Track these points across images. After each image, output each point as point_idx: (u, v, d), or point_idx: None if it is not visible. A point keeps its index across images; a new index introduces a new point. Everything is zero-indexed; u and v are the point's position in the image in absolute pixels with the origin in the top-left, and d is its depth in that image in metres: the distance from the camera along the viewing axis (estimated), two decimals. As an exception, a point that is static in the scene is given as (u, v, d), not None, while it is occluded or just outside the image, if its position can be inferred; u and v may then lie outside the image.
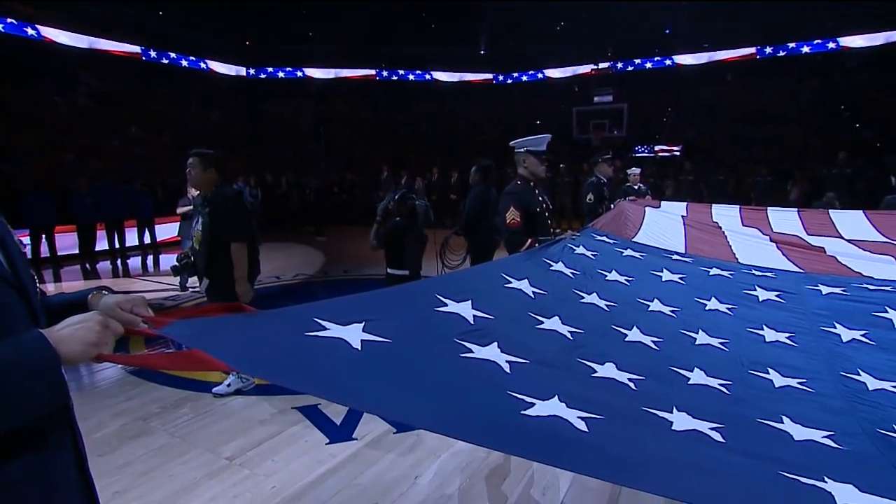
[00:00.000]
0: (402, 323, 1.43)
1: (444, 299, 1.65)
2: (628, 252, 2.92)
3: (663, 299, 2.31)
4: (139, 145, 14.52)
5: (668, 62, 19.67)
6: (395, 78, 21.37)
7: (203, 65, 18.84)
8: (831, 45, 17.98)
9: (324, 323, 1.26)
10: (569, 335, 1.74)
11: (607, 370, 1.52)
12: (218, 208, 3.56)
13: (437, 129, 19.50)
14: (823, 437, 1.31)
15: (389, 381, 1.15)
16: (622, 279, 2.51)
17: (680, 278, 2.62)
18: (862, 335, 2.11)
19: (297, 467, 2.98)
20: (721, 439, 1.18)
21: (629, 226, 3.72)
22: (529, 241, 2.92)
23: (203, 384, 4.01)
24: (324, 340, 1.20)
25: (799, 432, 1.31)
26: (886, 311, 2.24)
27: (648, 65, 19.73)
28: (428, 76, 21.50)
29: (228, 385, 3.88)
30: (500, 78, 21.37)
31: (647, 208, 4.34)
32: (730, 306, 2.34)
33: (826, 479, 1.03)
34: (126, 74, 16.39)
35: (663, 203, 5.28)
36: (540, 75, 20.78)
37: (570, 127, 14.26)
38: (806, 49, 18.30)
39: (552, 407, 1.16)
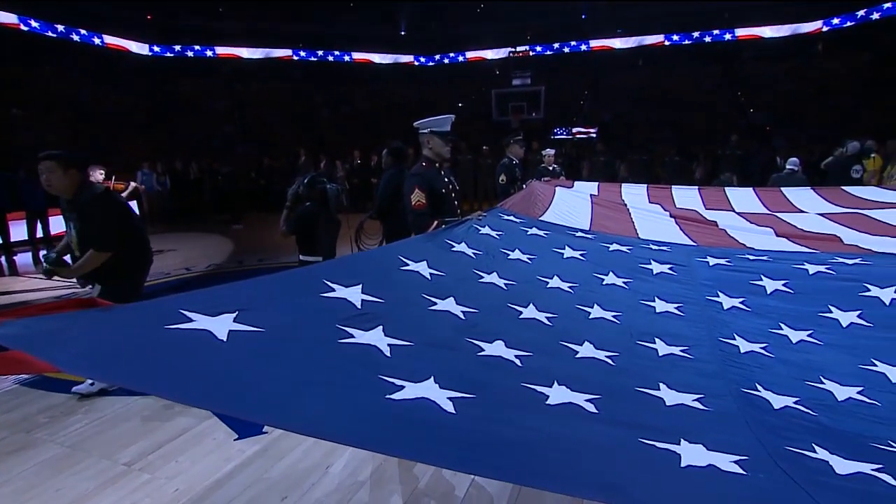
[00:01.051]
0: (280, 311, 1.35)
1: (331, 284, 1.59)
2: (533, 231, 2.96)
3: (563, 276, 2.36)
4: (24, 129, 13.14)
5: (583, 47, 20.34)
6: (313, 59, 20.67)
7: (98, 40, 17.28)
8: (728, 36, 19.30)
9: (190, 314, 1.16)
10: (461, 315, 1.73)
11: (495, 348, 1.52)
12: (83, 214, 3.25)
13: (359, 111, 19.11)
14: (693, 399, 1.38)
15: (252, 374, 1.07)
16: (524, 257, 2.54)
17: (581, 255, 2.69)
18: (740, 302, 2.26)
19: (202, 467, 2.83)
20: (594, 410, 1.21)
21: (538, 205, 3.79)
22: (436, 222, 2.90)
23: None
24: (184, 333, 1.10)
25: (672, 397, 1.37)
26: (761, 280, 2.42)
27: (566, 49, 20.31)
28: (348, 57, 20.97)
29: (92, 384, 3.56)
30: (422, 60, 21.23)
31: (557, 188, 4.45)
32: (626, 280, 2.43)
33: (681, 441, 1.08)
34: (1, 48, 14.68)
35: (576, 183, 5.45)
36: (461, 58, 20.84)
37: (491, 109, 14.43)
38: (708, 39, 19.55)
39: (423, 389, 1.14)
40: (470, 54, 20.75)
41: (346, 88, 20.21)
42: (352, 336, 1.35)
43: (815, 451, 1.14)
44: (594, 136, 15.23)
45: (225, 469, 2.81)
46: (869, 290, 2.24)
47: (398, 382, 1.14)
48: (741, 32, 19.15)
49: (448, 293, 1.86)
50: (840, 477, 1.05)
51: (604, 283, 2.40)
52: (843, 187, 5.20)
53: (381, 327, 1.43)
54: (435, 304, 1.78)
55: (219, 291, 1.36)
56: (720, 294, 2.33)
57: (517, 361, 1.47)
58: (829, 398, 1.58)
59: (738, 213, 4.24)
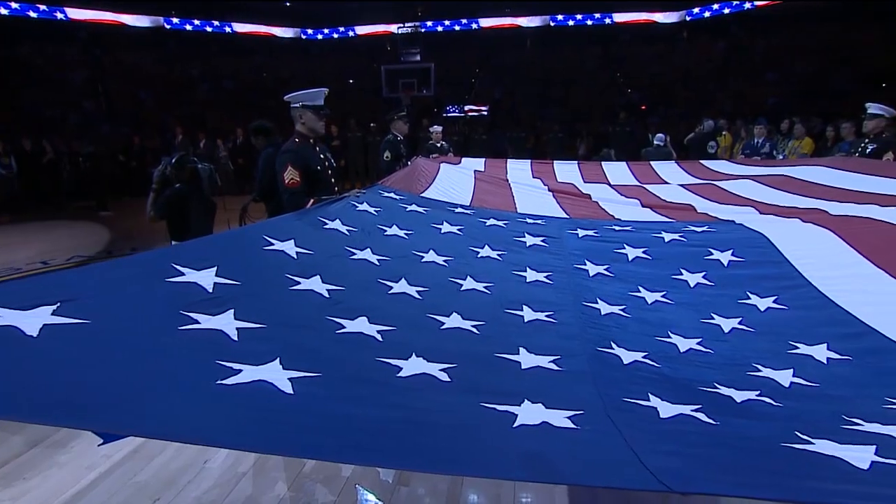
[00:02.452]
0: (114, 300, 1.23)
1: (181, 268, 1.47)
2: (413, 207, 2.96)
3: (438, 250, 2.39)
4: None
5: (474, 25, 20.55)
6: (188, 28, 18.95)
7: None
8: (608, 20, 20.45)
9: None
10: (326, 294, 1.69)
11: (357, 325, 1.50)
12: None
13: (241, 87, 17.92)
14: (549, 361, 1.45)
15: (70, 373, 0.96)
16: (402, 233, 2.54)
17: (458, 229, 2.73)
18: (605, 269, 2.42)
19: (59, 480, 2.56)
20: (447, 378, 1.24)
21: (421, 182, 3.80)
22: (311, 201, 2.80)
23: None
24: None
25: (529, 360, 1.44)
26: (624, 248, 2.61)
27: (456, 27, 20.40)
28: (228, 28, 19.50)
29: None
30: (309, 33, 20.28)
31: (442, 165, 4.49)
32: (500, 252, 2.51)
33: (525, 402, 1.13)
34: None
35: (464, 160, 5.53)
36: (351, 33, 20.19)
37: (381, 86, 14.15)
38: (589, 22, 20.58)
39: (263, 371, 1.09)
40: (360, 29, 20.16)
41: (227, 61, 18.83)
42: (196, 322, 1.26)
43: (648, 400, 1.25)
44: (486, 113, 15.52)
45: (87, 479, 2.57)
46: (712, 254, 2.49)
47: (236, 367, 1.08)
48: (619, 17, 20.37)
49: (314, 272, 1.81)
50: (661, 420, 1.16)
51: (479, 255, 2.46)
52: (702, 161, 5.78)
53: (231, 311, 1.36)
54: (298, 283, 1.72)
55: (40, 281, 1.20)
56: (587, 262, 2.47)
57: (378, 337, 1.46)
58: (673, 350, 1.74)
59: (612, 186, 4.55)
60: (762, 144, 7.06)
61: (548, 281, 2.24)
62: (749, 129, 7.77)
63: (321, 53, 20.35)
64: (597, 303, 2.04)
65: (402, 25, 16.29)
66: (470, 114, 15.45)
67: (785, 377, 1.53)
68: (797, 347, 1.73)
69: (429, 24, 19.43)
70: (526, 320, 1.82)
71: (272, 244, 1.91)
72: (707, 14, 19.23)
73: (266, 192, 4.13)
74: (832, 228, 2.56)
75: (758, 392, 1.39)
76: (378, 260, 2.15)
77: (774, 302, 2.07)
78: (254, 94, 16.61)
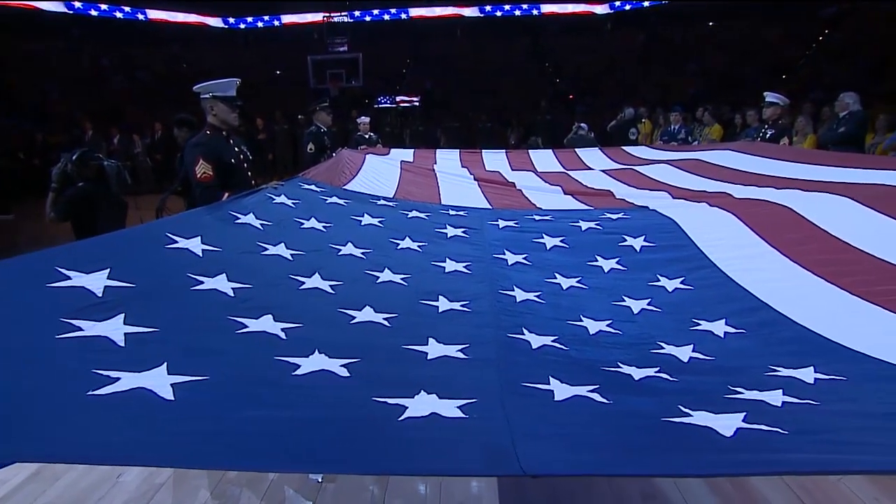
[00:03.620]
0: None
1: (66, 272, 1.37)
2: (333, 199, 2.90)
3: (357, 242, 2.35)
4: None
5: (403, 16, 20.37)
6: (95, 13, 17.63)
7: None
8: (535, 11, 20.83)
9: None
10: (230, 292, 1.62)
11: (260, 324, 1.46)
12: None
13: (161, 78, 16.91)
14: (457, 350, 1.46)
15: None
16: (320, 226, 2.48)
17: (379, 221, 2.70)
18: (523, 258, 2.46)
19: (-55, 513, 2.34)
20: (346, 374, 1.23)
21: (345, 173, 3.73)
22: (226, 195, 2.68)
23: None
24: None
25: (436, 351, 1.44)
26: (543, 238, 2.67)
27: (385, 17, 20.15)
28: (142, 15, 18.32)
29: None
30: (231, 22, 19.39)
31: (368, 156, 4.42)
32: (421, 244, 2.50)
33: (421, 392, 1.13)
34: None
35: (392, 150, 5.48)
36: (276, 22, 19.48)
37: (308, 77, 13.78)
38: (518, 13, 20.88)
39: (145, 378, 1.04)
40: (286, 18, 19.49)
41: (142, 51, 17.70)
42: (78, 329, 1.18)
43: (548, 383, 1.28)
44: (417, 104, 15.45)
45: (-21, 506, 2.36)
46: (626, 240, 2.59)
47: (115, 375, 1.02)
48: (546, 8, 20.78)
49: (220, 269, 1.73)
50: (555, 403, 1.20)
51: (399, 247, 2.44)
52: (623, 147, 6.01)
53: (121, 315, 1.28)
54: (201, 282, 1.64)
55: None
56: (506, 252, 2.51)
57: (281, 335, 1.42)
58: (584, 333, 1.79)
59: (538, 173, 4.64)
60: (678, 131, 7.43)
61: (466, 271, 2.26)
62: (667, 116, 8.14)
63: (245, 43, 19.55)
64: (513, 290, 2.07)
65: (329, 15, 15.90)
66: (401, 105, 15.33)
67: (685, 353, 1.62)
68: (699, 324, 1.83)
69: (357, 13, 19.08)
70: (440, 311, 1.82)
71: (175, 242, 1.81)
72: (628, 7, 20.03)
73: (189, 185, 3.93)
74: (734, 212, 2.72)
75: (657, 368, 1.46)
76: (292, 255, 2.09)
77: (681, 283, 2.18)
78: (173, 87, 15.71)
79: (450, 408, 1.09)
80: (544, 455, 1.00)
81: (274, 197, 2.64)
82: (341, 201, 2.91)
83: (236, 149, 2.99)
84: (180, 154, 3.94)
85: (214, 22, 19.25)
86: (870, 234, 2.20)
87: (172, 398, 1.00)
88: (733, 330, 1.76)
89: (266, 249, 2.06)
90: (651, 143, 7.92)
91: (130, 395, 0.98)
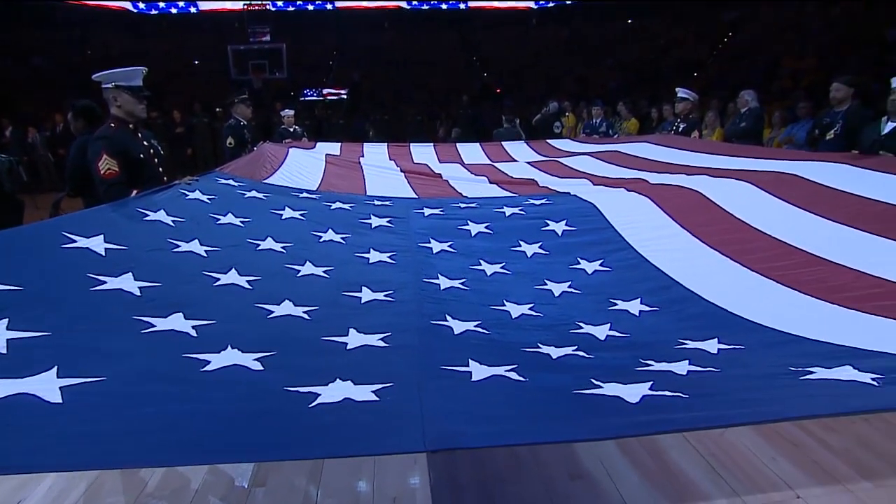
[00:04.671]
0: None
1: None
2: (252, 193, 2.78)
3: (277, 237, 2.27)
4: None
5: (329, 6, 19.88)
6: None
7: None
8: (462, 5, 20.95)
9: None
10: (137, 292, 1.52)
11: (170, 322, 1.38)
12: None
13: (56, 65, 15.57)
14: (378, 339, 1.44)
15: None
16: (237, 221, 2.37)
17: (301, 215, 2.62)
18: (448, 246, 2.47)
19: None
20: (260, 368, 1.19)
21: (266, 167, 3.60)
22: (135, 192, 2.50)
23: None
24: None
25: (356, 340, 1.42)
26: (467, 224, 2.68)
27: (310, 7, 19.58)
28: (34, -6, 16.73)
29: None
30: (142, 7, 18.10)
31: (291, 149, 4.30)
32: (344, 236, 2.45)
33: (336, 380, 1.12)
34: None
35: (319, 144, 5.35)
36: (192, 9, 18.41)
37: (229, 67, 13.13)
38: (444, 6, 20.91)
39: (30, 383, 0.97)
40: (203, 4, 18.44)
41: (39, 35, 16.22)
42: None
43: (467, 365, 1.29)
44: (345, 96, 15.16)
45: None
46: (548, 224, 2.66)
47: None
48: (472, 3, 20.94)
49: (125, 269, 1.62)
50: (471, 383, 1.21)
51: (321, 240, 2.38)
52: (548, 140, 6.18)
53: (5, 320, 1.16)
54: (104, 283, 1.52)
55: None
56: (432, 240, 2.50)
57: (192, 332, 1.35)
58: (506, 317, 1.82)
59: (465, 165, 4.68)
60: (600, 124, 7.72)
61: (390, 261, 2.24)
62: (589, 110, 8.44)
63: (158, 30, 18.35)
64: (437, 278, 2.08)
65: (250, 3, 15.21)
66: (328, 97, 14.99)
67: (602, 331, 1.68)
68: (616, 304, 1.91)
69: (280, 2, 18.41)
70: (363, 301, 1.79)
71: (74, 241, 1.68)
72: (551, 4, 20.58)
73: (79, 185, 3.61)
74: (650, 196, 2.86)
75: (575, 347, 1.51)
76: (206, 251, 1.99)
77: (600, 265, 2.27)
78: (75, 75, 14.52)
79: (365, 393, 1.08)
80: (450, 431, 1.02)
81: (187, 193, 2.51)
82: (261, 195, 2.79)
83: (145, 143, 2.80)
84: (70, 148, 3.61)
85: (120, 4, 17.82)
86: (767, 216, 2.40)
87: (60, 401, 0.93)
88: (647, 308, 1.85)
89: (178, 247, 1.95)
90: (575, 136, 8.19)
91: (9, 401, 0.90)
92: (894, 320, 1.47)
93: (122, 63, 2.81)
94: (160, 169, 2.86)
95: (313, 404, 1.05)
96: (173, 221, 2.14)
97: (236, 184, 2.90)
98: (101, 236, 1.76)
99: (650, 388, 1.13)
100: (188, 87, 13.83)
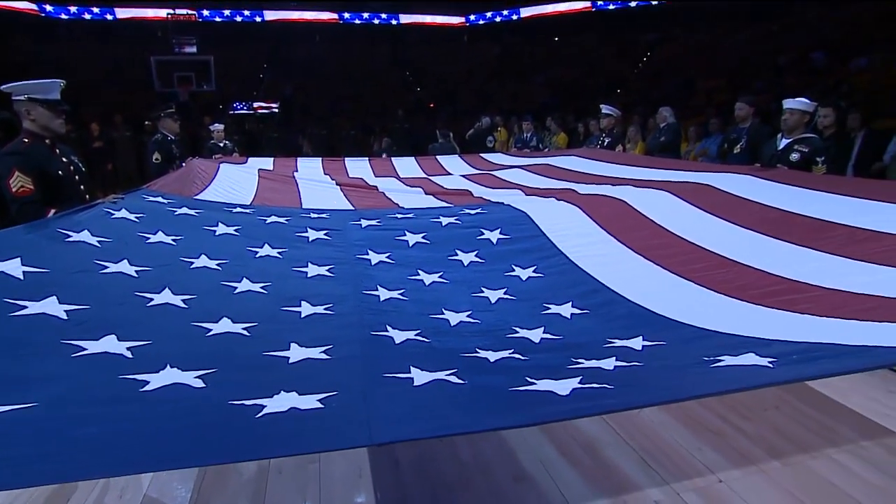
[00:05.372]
0: None
1: None
2: (183, 210, 2.70)
3: (211, 254, 2.21)
4: None
5: (258, 18, 19.50)
6: None
7: None
8: (394, 21, 21.17)
9: None
10: (64, 315, 1.46)
11: (102, 344, 1.33)
12: None
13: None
14: (320, 352, 1.45)
15: None
16: (168, 239, 2.29)
17: (235, 230, 2.57)
18: (387, 257, 2.49)
19: None
20: (202, 385, 1.17)
21: (196, 183, 3.49)
22: (53, 212, 2.37)
23: None
24: None
25: (298, 354, 1.42)
26: (405, 235, 2.71)
27: (238, 18, 19.13)
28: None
29: None
30: (49, 10, 16.96)
31: (222, 164, 4.19)
32: (281, 250, 2.42)
33: (280, 392, 1.13)
34: None
35: (251, 159, 5.24)
36: (109, 16, 17.49)
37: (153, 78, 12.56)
38: (377, 21, 21.03)
39: None
40: (121, 11, 17.51)
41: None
42: None
43: (408, 372, 1.33)
44: (276, 110, 14.88)
45: None
46: (483, 233, 2.73)
47: None
48: (405, 19, 21.19)
49: (48, 292, 1.55)
50: (414, 388, 1.25)
51: (257, 255, 2.34)
52: (481, 154, 6.34)
53: None
54: (24, 307, 1.44)
55: None
56: (370, 252, 2.52)
57: (127, 353, 1.31)
58: (445, 325, 1.87)
59: (400, 178, 4.73)
60: (531, 138, 8.00)
61: (329, 274, 2.23)
62: (520, 125, 8.74)
63: (70, 37, 17.27)
64: (377, 290, 2.10)
65: (173, 12, 14.66)
66: (259, 111, 14.65)
67: (537, 335, 1.76)
68: (549, 308, 2.00)
69: (206, 13, 17.86)
70: (303, 315, 1.79)
71: None
72: (482, 22, 21.19)
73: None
74: (579, 205, 3.01)
75: (511, 350, 1.57)
76: (137, 271, 1.91)
77: (534, 271, 2.36)
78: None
79: (310, 402, 1.10)
80: (394, 427, 1.09)
81: (113, 212, 2.40)
82: (192, 212, 2.71)
83: (64, 159, 2.66)
84: None
85: (28, 6, 16.55)
86: (684, 223, 2.60)
87: None
88: (578, 311, 1.96)
89: (106, 268, 1.86)
90: (507, 150, 8.44)
91: None
92: (790, 312, 1.65)
93: (30, 70, 2.67)
94: (81, 187, 2.72)
95: (260, 415, 1.05)
96: (99, 242, 2.04)
97: (165, 201, 2.79)
98: (18, 259, 1.67)
99: (579, 382, 1.22)
100: (107, 99, 13.08)
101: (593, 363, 1.39)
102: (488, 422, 1.20)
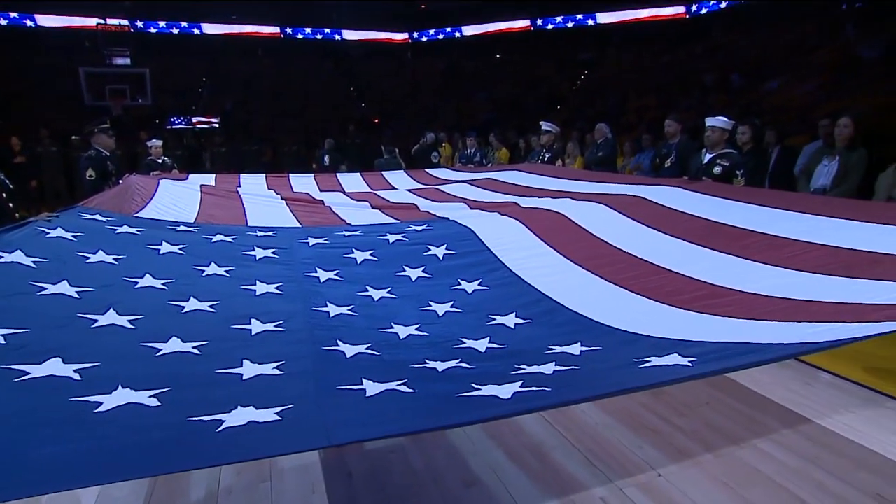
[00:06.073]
0: None
1: None
2: (124, 229, 2.62)
3: (156, 273, 2.17)
4: None
5: (196, 31, 19.02)
6: None
7: None
8: (338, 36, 21.18)
9: None
10: (2, 339, 1.40)
11: (47, 368, 1.30)
12: None
13: None
14: (273, 368, 1.47)
15: None
16: (110, 259, 2.23)
17: (180, 249, 2.52)
18: (335, 274, 2.52)
19: None
20: (157, 403, 1.18)
21: (135, 201, 3.40)
22: None
23: None
24: None
25: (251, 371, 1.44)
26: (353, 252, 2.75)
27: (175, 30, 18.59)
28: None
29: None
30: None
31: (162, 181, 4.09)
32: (228, 269, 2.40)
33: (237, 407, 1.15)
34: None
35: (191, 176, 5.12)
36: (29, 22, 16.48)
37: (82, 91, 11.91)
38: (319, 36, 20.96)
39: None
40: (43, 19, 16.50)
41: None
42: None
43: (361, 384, 1.37)
44: (217, 125, 14.49)
45: None
46: (430, 249, 2.80)
47: None
48: (348, 35, 21.23)
49: None
50: (367, 398, 1.31)
51: (204, 274, 2.31)
52: (426, 169, 6.44)
53: None
54: None
55: None
56: (318, 269, 2.53)
57: (75, 376, 1.28)
58: (395, 338, 1.92)
59: (346, 193, 4.75)
60: (474, 154, 8.18)
61: (278, 291, 2.24)
62: (464, 140, 8.92)
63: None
64: (326, 306, 2.12)
65: (104, 22, 14.02)
66: (199, 126, 14.22)
67: (483, 344, 1.85)
68: (494, 319, 2.09)
69: (140, 24, 17.24)
70: (253, 333, 1.79)
71: None
72: (425, 39, 21.52)
73: None
74: (520, 219, 3.14)
75: (459, 360, 1.65)
76: (78, 292, 1.86)
77: (479, 285, 2.45)
78: None
79: (268, 415, 1.12)
80: (350, 430, 1.16)
81: (47, 230, 2.31)
82: (134, 230, 2.64)
83: (-8, 176, 2.55)
84: None
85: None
86: (620, 234, 2.77)
87: None
88: (522, 321, 2.06)
89: (44, 289, 1.80)
90: (451, 165, 8.60)
91: None
92: (712, 315, 1.81)
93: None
94: (10, 204, 2.61)
95: (220, 429, 1.07)
96: (34, 262, 1.96)
97: (104, 219, 2.70)
98: None
99: (521, 386, 1.31)
100: (31, 111, 12.34)
101: (534, 368, 1.48)
102: (435, 421, 1.29)
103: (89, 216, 2.71)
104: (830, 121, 5.39)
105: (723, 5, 16.64)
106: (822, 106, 8.67)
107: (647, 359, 1.43)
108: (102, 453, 0.98)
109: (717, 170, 4.00)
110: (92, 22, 14.65)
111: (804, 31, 12.80)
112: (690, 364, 1.35)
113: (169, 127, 13.66)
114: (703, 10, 17.19)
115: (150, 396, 1.19)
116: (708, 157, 4.12)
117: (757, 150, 5.45)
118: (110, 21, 14.02)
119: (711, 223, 2.65)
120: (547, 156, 5.91)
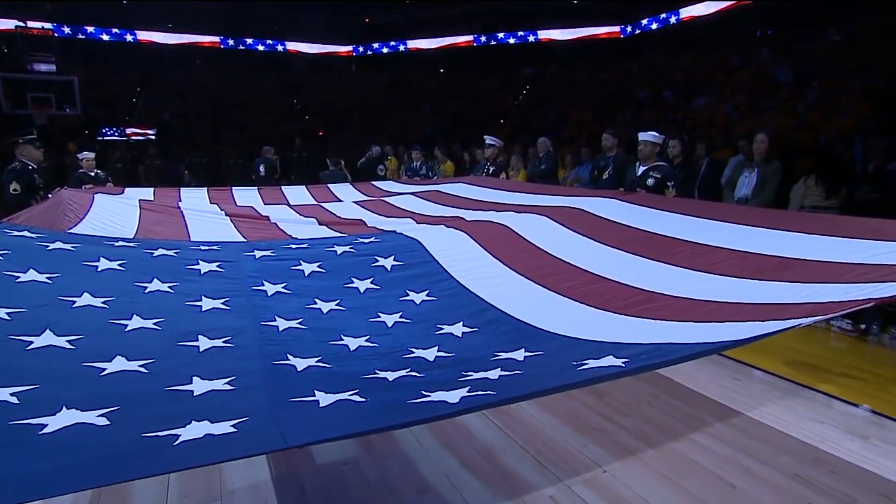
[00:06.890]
0: None
1: None
2: (57, 245, 2.51)
3: (95, 291, 2.09)
4: None
5: (129, 38, 18.29)
6: None
7: None
8: (280, 47, 20.89)
9: None
10: None
11: None
12: None
13: None
14: (224, 383, 1.46)
15: None
16: (43, 278, 2.13)
17: (120, 265, 2.43)
18: (283, 287, 2.50)
19: None
20: (106, 422, 1.16)
21: (68, 216, 3.25)
22: None
23: None
24: None
25: (202, 387, 1.42)
26: (300, 264, 2.73)
27: (105, 37, 17.80)
28: None
29: None
30: None
31: (97, 196, 3.92)
32: (172, 284, 2.34)
33: (191, 422, 1.15)
34: None
35: (128, 190, 4.92)
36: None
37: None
38: (261, 47, 20.61)
39: None
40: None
41: None
42: None
43: (313, 395, 1.40)
44: (153, 137, 13.92)
45: None
46: (378, 261, 2.83)
47: None
48: (291, 46, 20.99)
49: None
50: (320, 408, 1.33)
51: (147, 290, 2.24)
52: (373, 182, 6.46)
53: None
54: None
55: None
56: (265, 283, 2.51)
57: (13, 400, 1.24)
58: (345, 350, 1.94)
59: (292, 206, 4.70)
60: (420, 167, 8.28)
61: (225, 307, 2.20)
62: (410, 154, 9.01)
63: None
64: (275, 320, 2.11)
65: (24, 25, 13.17)
66: (133, 137, 13.63)
67: (431, 354, 1.90)
68: (442, 328, 2.15)
69: (66, 29, 16.40)
70: (202, 349, 1.76)
71: None
72: (370, 52, 21.58)
73: None
74: (466, 231, 3.22)
75: (408, 369, 1.69)
76: (9, 314, 1.77)
77: (427, 295, 2.50)
78: None
79: (224, 427, 1.13)
80: (305, 434, 1.21)
81: None
82: (68, 246, 2.52)
83: None
84: None
85: None
86: (560, 244, 2.91)
87: None
88: (469, 329, 2.13)
89: None
90: (398, 178, 8.66)
91: None
92: (646, 319, 1.94)
93: None
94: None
95: (177, 443, 1.07)
96: None
97: (34, 235, 2.57)
98: None
99: (468, 392, 1.38)
100: None
101: (481, 374, 1.55)
102: (389, 420, 1.36)
103: (16, 233, 2.58)
104: (747, 142, 5.87)
105: (653, 27, 17.64)
106: (744, 122, 9.34)
107: (585, 361, 1.53)
108: (57, 468, 0.96)
109: (650, 181, 4.25)
110: (10, 25, 13.70)
111: (726, 54, 13.74)
112: (623, 364, 1.46)
113: (101, 138, 13.00)
114: (637, 31, 18.19)
115: (99, 416, 1.16)
116: (641, 169, 4.38)
117: (686, 162, 5.81)
118: (31, 24, 13.17)
119: (645, 233, 2.83)
120: (491, 169, 6.07)
